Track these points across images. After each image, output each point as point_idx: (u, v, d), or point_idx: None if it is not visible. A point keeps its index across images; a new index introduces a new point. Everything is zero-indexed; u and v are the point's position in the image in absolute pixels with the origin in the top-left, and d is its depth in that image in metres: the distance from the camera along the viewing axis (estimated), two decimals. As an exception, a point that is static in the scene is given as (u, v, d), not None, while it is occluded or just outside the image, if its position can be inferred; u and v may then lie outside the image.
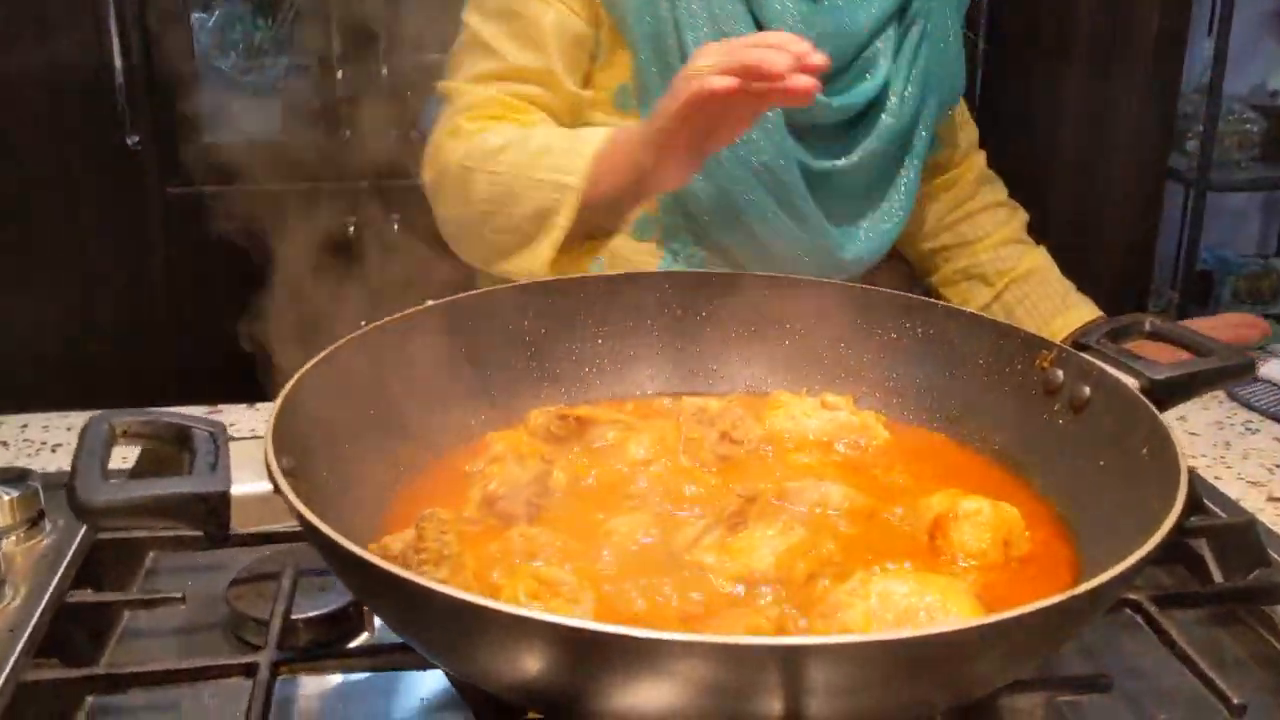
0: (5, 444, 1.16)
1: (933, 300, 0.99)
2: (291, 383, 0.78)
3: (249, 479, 0.70)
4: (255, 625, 0.85)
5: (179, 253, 2.29)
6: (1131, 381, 0.86)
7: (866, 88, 1.31)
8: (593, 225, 1.22)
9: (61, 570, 0.88)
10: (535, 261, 1.18)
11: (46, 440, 1.17)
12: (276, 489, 0.67)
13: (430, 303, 0.95)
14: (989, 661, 0.62)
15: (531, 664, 0.59)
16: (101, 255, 2.26)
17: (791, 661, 0.56)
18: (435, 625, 0.63)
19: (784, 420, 0.96)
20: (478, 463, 0.89)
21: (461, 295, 0.96)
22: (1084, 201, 2.70)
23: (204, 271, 2.09)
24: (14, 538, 0.92)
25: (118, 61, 2.13)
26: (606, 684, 0.58)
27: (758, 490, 0.82)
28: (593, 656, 0.57)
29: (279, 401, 0.76)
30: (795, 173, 1.28)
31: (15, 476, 0.96)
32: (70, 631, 0.84)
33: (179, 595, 0.87)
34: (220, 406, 1.25)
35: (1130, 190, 2.69)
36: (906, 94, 1.33)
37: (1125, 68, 2.61)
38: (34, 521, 0.94)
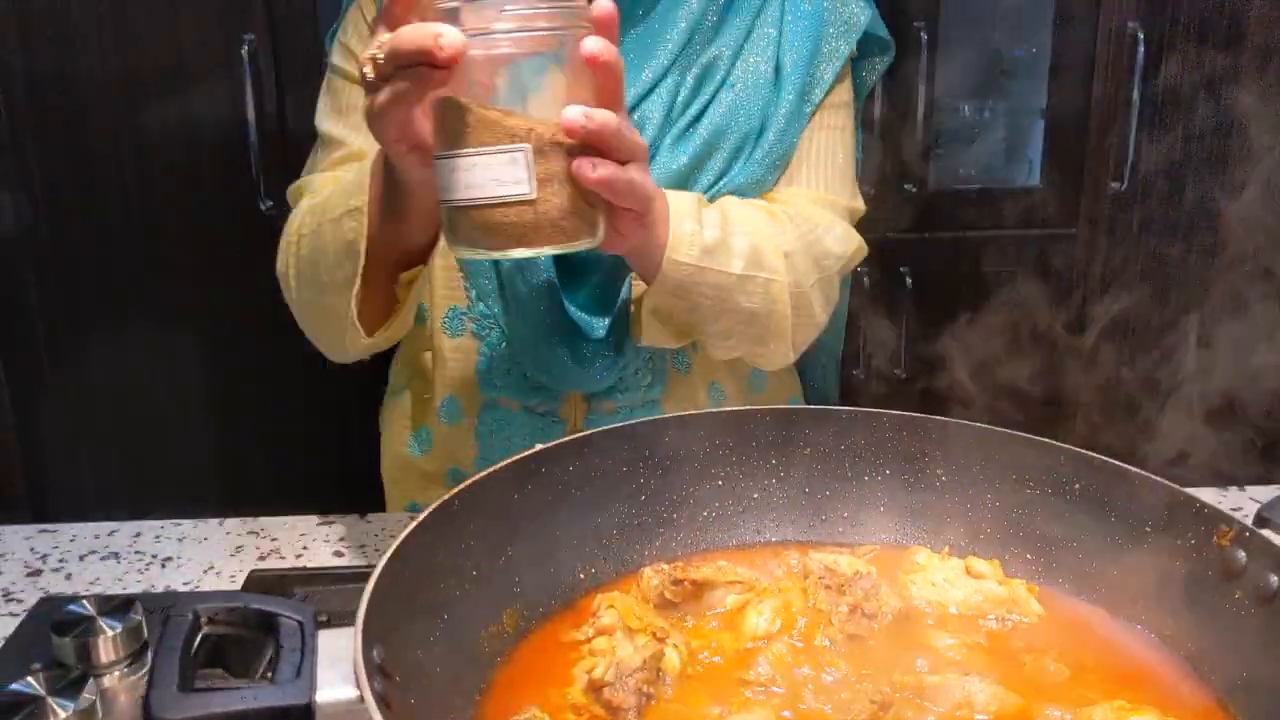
0: (116, 556, 1.14)
1: (1095, 455, 0.88)
2: (387, 556, 0.73)
3: (337, 681, 0.65)
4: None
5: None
6: (1337, 576, 0.74)
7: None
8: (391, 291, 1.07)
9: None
10: (354, 338, 1.05)
11: (158, 553, 1.15)
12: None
13: (539, 446, 0.89)
14: None
15: None
16: (230, 327, 2.25)
17: None
18: None
19: (924, 588, 0.86)
20: (583, 630, 0.83)
21: (568, 439, 0.90)
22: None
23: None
24: (116, 674, 0.88)
25: (251, 121, 2.12)
26: None
27: (893, 695, 0.73)
28: None
29: (373, 580, 0.71)
30: None
31: (119, 606, 0.92)
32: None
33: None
34: (331, 517, 1.22)
35: None
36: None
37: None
38: (136, 655, 0.90)
